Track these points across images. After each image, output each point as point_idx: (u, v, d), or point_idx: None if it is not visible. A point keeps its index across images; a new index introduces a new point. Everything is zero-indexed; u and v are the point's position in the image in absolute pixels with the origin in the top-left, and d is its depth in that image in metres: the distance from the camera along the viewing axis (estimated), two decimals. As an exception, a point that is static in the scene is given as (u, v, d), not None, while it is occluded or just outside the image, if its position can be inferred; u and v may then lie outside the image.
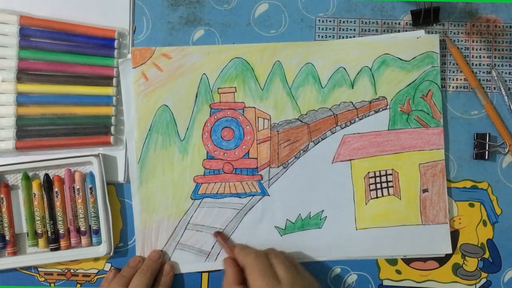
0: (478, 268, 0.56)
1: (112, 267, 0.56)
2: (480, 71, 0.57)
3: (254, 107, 0.57)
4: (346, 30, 0.58)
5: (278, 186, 0.56)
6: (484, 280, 0.56)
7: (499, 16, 0.58)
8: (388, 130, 0.56)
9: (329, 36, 0.57)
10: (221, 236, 0.55)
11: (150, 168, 0.56)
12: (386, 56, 0.56)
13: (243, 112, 0.56)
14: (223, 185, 0.56)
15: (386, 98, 0.56)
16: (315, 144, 0.56)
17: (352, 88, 0.57)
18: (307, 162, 0.56)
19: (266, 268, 0.49)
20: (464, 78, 0.57)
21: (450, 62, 0.57)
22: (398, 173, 0.56)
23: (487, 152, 0.56)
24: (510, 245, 0.56)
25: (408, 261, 0.56)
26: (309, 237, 0.56)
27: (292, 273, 0.49)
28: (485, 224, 0.56)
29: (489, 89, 0.57)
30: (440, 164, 0.56)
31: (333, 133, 0.57)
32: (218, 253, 0.56)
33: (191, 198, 0.56)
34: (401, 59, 0.56)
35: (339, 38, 0.57)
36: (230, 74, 0.56)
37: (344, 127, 0.56)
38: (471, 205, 0.56)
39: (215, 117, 0.56)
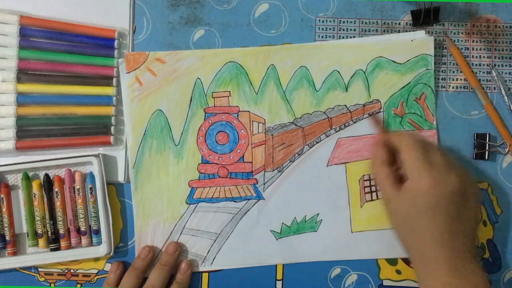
0: (478, 268, 0.56)
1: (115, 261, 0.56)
2: (480, 71, 0.57)
3: (249, 111, 0.56)
4: (346, 30, 0.58)
5: (273, 190, 0.56)
6: (484, 280, 0.56)
7: (499, 16, 0.57)
8: None
9: (329, 36, 0.57)
10: (376, 119, 0.55)
11: (145, 173, 0.56)
12: (380, 59, 0.56)
13: (237, 116, 0.56)
14: (218, 189, 0.56)
15: (379, 101, 0.56)
16: (310, 148, 0.56)
17: (346, 91, 0.57)
18: (302, 166, 0.56)
19: (423, 148, 0.48)
20: (464, 78, 0.57)
21: (450, 62, 0.57)
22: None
23: (487, 152, 0.56)
24: (510, 245, 0.56)
25: (408, 261, 0.56)
26: (305, 241, 0.56)
27: (446, 159, 0.48)
28: (485, 224, 0.56)
29: (489, 89, 0.57)
30: None
31: (328, 136, 0.57)
32: (214, 257, 0.56)
33: (186, 203, 0.56)
34: (395, 61, 0.56)
35: (339, 38, 0.57)
36: (224, 78, 0.56)
37: (339, 130, 0.56)
38: (471, 205, 0.56)
39: (210, 121, 0.56)
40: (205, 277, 0.56)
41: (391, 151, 0.50)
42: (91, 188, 0.55)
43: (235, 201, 0.56)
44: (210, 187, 0.56)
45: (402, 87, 0.56)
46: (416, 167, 0.47)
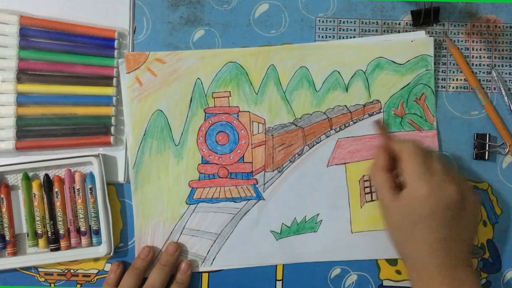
0: (478, 268, 0.56)
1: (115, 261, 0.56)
2: (480, 71, 0.57)
3: (249, 111, 0.56)
4: (346, 30, 0.58)
5: (273, 190, 0.56)
6: (484, 280, 0.56)
7: (499, 16, 0.57)
8: None
9: (329, 36, 0.57)
10: (381, 124, 0.54)
11: (145, 173, 0.56)
12: (380, 60, 0.56)
13: (237, 116, 0.56)
14: (218, 189, 0.56)
15: (380, 102, 0.56)
16: (310, 148, 0.56)
17: (347, 91, 0.57)
18: (302, 166, 0.56)
19: (424, 156, 0.48)
20: (464, 79, 0.57)
21: (450, 62, 0.57)
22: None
23: (487, 152, 0.56)
24: (510, 245, 0.56)
25: (408, 261, 0.56)
26: (304, 241, 0.56)
27: (446, 168, 0.48)
28: (485, 224, 0.56)
29: (489, 90, 0.57)
30: None
31: (328, 137, 0.57)
32: (214, 258, 0.56)
33: (186, 203, 0.56)
34: (395, 62, 0.56)
35: (339, 38, 0.57)
36: (225, 78, 0.56)
37: (339, 130, 0.56)
38: (471, 205, 0.56)
39: (210, 121, 0.56)
40: (205, 277, 0.56)
41: (392, 157, 0.51)
42: (91, 188, 0.55)
43: (235, 201, 0.56)
44: (210, 187, 0.56)
45: (402, 88, 0.56)
46: (415, 175, 0.47)
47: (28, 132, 0.55)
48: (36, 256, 0.55)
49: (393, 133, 0.56)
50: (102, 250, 0.55)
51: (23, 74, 0.55)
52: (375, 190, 0.54)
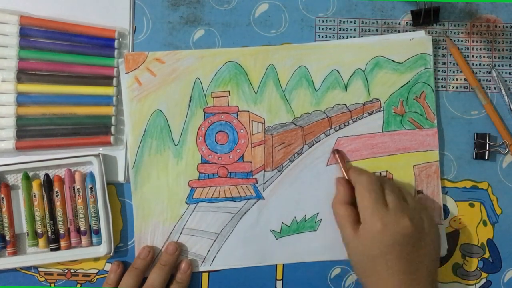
0: (478, 268, 0.56)
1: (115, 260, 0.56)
2: (480, 71, 0.57)
3: (248, 111, 0.56)
4: (346, 30, 0.58)
5: (273, 190, 0.56)
6: (484, 280, 0.56)
7: (499, 16, 0.58)
8: (382, 132, 0.56)
9: (329, 36, 0.57)
10: (340, 155, 0.55)
11: (145, 173, 0.56)
12: (379, 58, 0.56)
13: (237, 116, 0.56)
14: (218, 189, 0.56)
15: (379, 100, 0.56)
16: (309, 147, 0.56)
17: (346, 90, 0.57)
18: (302, 165, 0.56)
19: (377, 189, 0.49)
20: (464, 78, 0.57)
21: (450, 62, 0.57)
22: (392, 174, 0.56)
23: (487, 152, 0.56)
24: (510, 245, 0.56)
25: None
26: (304, 240, 0.56)
27: (400, 202, 0.49)
28: (485, 224, 0.56)
29: (489, 89, 0.57)
30: (434, 165, 0.56)
31: (327, 136, 0.56)
32: (214, 257, 0.56)
33: (186, 203, 0.56)
34: (394, 61, 0.56)
35: (340, 38, 0.57)
36: (224, 78, 0.56)
37: (338, 129, 0.56)
38: (471, 205, 0.56)
39: (209, 121, 0.56)
40: (205, 277, 0.56)
41: (352, 189, 0.51)
42: (91, 188, 0.55)
43: (235, 201, 0.56)
44: (210, 187, 0.56)
45: (402, 86, 0.56)
46: (368, 211, 0.48)
47: (28, 132, 0.55)
48: (36, 256, 0.55)
49: (350, 164, 0.56)
50: (102, 250, 0.55)
51: (23, 74, 0.55)
52: (337, 223, 0.53)
